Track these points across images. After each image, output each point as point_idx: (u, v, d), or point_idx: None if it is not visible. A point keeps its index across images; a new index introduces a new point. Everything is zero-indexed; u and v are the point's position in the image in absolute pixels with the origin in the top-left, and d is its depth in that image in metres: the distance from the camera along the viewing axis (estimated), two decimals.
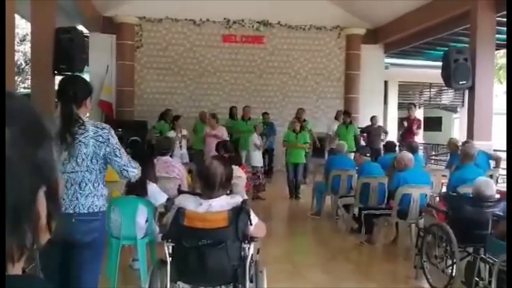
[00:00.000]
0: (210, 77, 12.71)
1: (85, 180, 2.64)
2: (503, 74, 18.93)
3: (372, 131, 10.85)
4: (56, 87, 2.84)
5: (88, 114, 3.02)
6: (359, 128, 11.26)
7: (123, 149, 2.80)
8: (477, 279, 3.81)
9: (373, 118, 11.04)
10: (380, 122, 11.59)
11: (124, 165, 2.74)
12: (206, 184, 2.75)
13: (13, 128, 0.61)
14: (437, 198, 6.59)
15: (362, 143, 10.49)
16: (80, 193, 2.64)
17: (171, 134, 8.63)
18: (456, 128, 18.96)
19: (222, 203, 2.73)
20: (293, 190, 9.09)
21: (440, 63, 9.00)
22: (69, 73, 7.91)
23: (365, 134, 11.00)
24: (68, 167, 2.61)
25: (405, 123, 10.69)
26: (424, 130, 14.95)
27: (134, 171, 2.80)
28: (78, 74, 7.47)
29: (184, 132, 9.27)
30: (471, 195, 4.44)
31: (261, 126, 10.04)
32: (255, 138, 9.15)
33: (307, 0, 12.27)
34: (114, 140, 2.72)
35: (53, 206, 0.67)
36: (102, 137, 2.66)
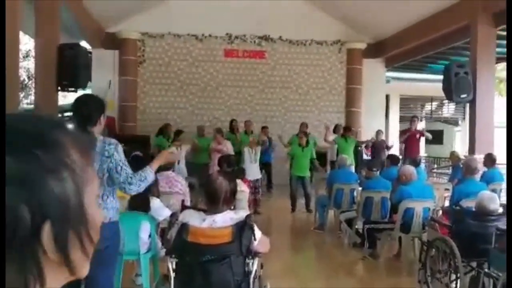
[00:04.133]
0: (212, 91, 12.77)
1: None
2: (504, 87, 18.96)
3: (376, 145, 10.93)
4: (71, 107, 2.92)
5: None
6: (362, 142, 11.27)
7: (127, 166, 2.84)
8: None
9: (378, 133, 11.13)
10: (383, 136, 11.64)
11: (122, 182, 2.81)
12: (210, 199, 2.77)
13: (17, 156, 0.55)
14: (440, 212, 6.56)
15: (365, 156, 10.52)
16: None
17: (172, 149, 8.60)
18: (457, 141, 18.95)
19: (225, 219, 2.74)
20: (295, 204, 8.98)
21: (441, 77, 9.04)
22: (73, 89, 7.97)
23: (369, 148, 11.05)
24: None
25: (401, 140, 10.82)
26: (426, 143, 14.97)
27: (132, 188, 2.86)
28: (89, 93, 7.49)
29: (184, 147, 9.27)
30: (473, 209, 4.43)
31: (257, 139, 9.77)
32: (246, 152, 8.87)
33: (308, 15, 12.39)
34: (119, 156, 2.80)
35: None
36: (108, 152, 2.76)
